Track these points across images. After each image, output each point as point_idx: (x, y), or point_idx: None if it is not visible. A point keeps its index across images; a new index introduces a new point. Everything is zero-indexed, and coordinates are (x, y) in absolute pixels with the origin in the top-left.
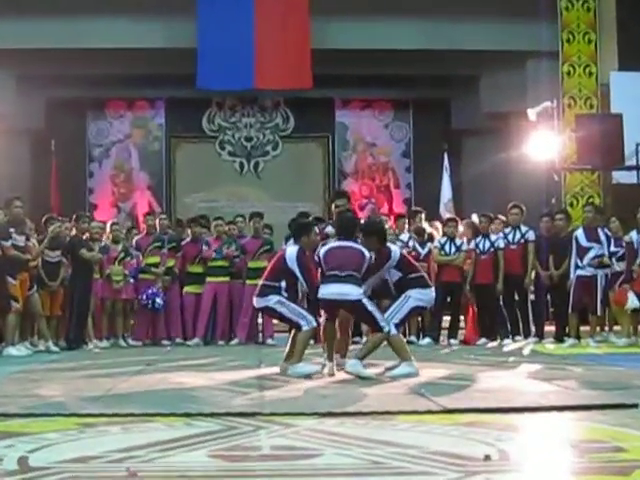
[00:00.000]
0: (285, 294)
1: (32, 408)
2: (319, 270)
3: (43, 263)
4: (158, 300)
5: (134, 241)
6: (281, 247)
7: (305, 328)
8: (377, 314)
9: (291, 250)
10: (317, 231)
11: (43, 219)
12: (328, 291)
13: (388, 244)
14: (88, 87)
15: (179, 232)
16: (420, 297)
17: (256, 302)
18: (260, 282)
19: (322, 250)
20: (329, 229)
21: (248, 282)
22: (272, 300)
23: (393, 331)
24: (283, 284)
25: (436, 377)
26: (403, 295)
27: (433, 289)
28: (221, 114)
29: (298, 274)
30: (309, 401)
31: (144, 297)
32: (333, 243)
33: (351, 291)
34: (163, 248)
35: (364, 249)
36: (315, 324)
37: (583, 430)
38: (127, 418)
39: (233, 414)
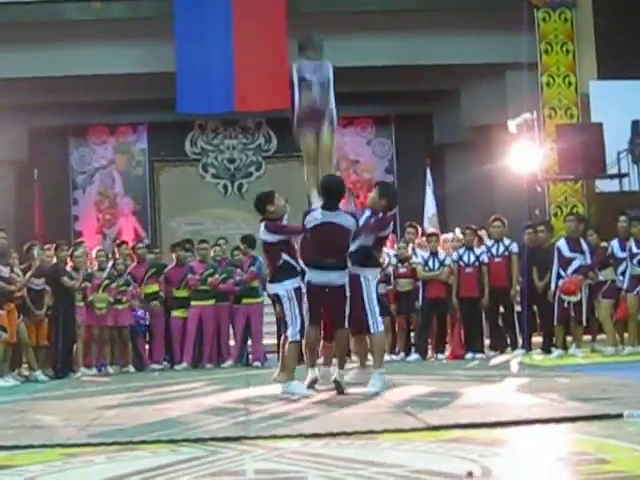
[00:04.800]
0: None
1: (17, 440)
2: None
3: (28, 291)
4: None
5: (127, 272)
6: None
7: (289, 338)
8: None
9: (261, 229)
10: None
11: (25, 247)
12: (315, 277)
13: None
14: (70, 114)
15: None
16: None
17: (269, 288)
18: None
19: (307, 223)
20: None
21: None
22: (284, 287)
23: (381, 328)
24: (286, 257)
25: (422, 393)
26: (364, 280)
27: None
28: (203, 137)
29: (280, 237)
30: (294, 423)
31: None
32: (318, 216)
33: (338, 278)
34: (160, 275)
35: (350, 221)
36: (299, 338)
37: (567, 442)
38: (112, 447)
39: (218, 439)
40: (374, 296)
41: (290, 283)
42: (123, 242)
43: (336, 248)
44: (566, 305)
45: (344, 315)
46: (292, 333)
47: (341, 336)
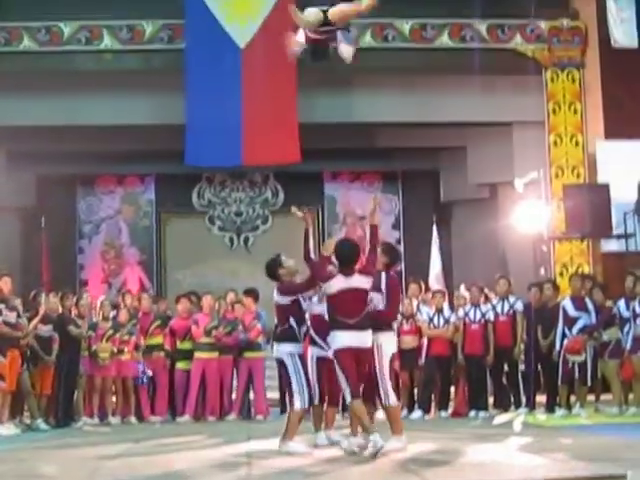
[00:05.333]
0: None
1: None
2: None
3: (36, 338)
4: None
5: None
6: None
7: (297, 406)
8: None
9: (274, 294)
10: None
11: (32, 294)
12: (341, 341)
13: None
14: (78, 163)
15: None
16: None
17: (275, 350)
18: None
19: (329, 289)
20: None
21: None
22: (285, 352)
23: (392, 400)
24: (293, 322)
25: (426, 451)
26: (376, 348)
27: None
28: (211, 189)
29: (292, 298)
30: (297, 478)
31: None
32: (338, 282)
33: (367, 338)
34: (165, 327)
35: (367, 283)
36: (308, 404)
37: None
38: None
39: None
40: (385, 364)
41: (293, 347)
42: (128, 292)
43: (357, 309)
44: (570, 365)
45: (360, 384)
46: (300, 404)
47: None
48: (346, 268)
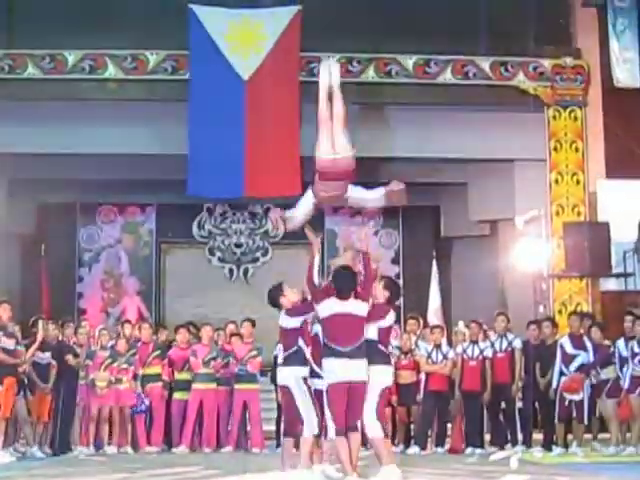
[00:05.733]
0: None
1: None
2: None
3: (34, 365)
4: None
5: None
6: None
7: (306, 434)
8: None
9: (281, 318)
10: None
11: (31, 321)
12: (333, 371)
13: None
14: (79, 192)
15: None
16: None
17: (280, 377)
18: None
19: (322, 312)
20: None
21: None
22: (291, 376)
23: (377, 432)
24: (301, 344)
25: None
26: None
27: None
28: (211, 220)
29: (301, 318)
30: None
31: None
32: (333, 305)
33: (361, 370)
34: (164, 357)
35: (363, 310)
36: (317, 431)
37: None
38: None
39: None
40: (375, 397)
41: (300, 371)
42: (127, 321)
43: (352, 336)
44: (567, 403)
45: (360, 416)
46: (310, 429)
47: (355, 440)
48: (342, 295)
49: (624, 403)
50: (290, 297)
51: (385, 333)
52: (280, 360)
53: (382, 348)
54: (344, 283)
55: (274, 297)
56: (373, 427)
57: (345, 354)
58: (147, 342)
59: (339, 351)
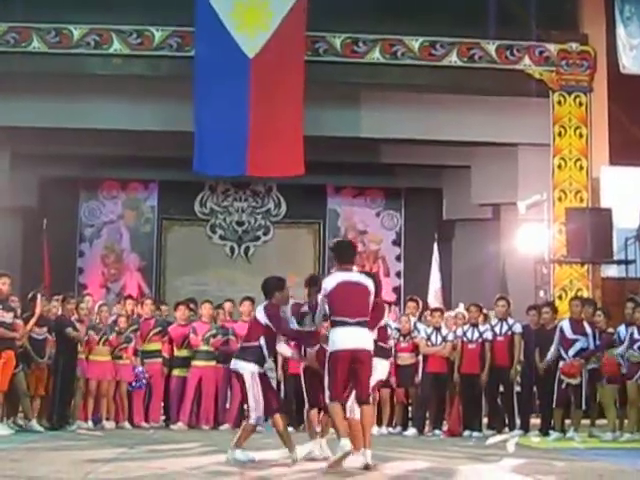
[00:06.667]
0: (265, 365)
1: None
2: (325, 308)
3: (30, 340)
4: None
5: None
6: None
7: (251, 422)
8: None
9: (259, 307)
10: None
11: (29, 296)
12: (340, 340)
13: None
14: (82, 167)
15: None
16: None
17: (232, 363)
18: (240, 344)
19: (328, 284)
20: (305, 309)
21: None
22: (247, 370)
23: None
24: (262, 342)
25: (418, 469)
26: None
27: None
28: (213, 198)
29: (269, 324)
30: None
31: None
32: (337, 275)
33: (366, 339)
34: (165, 334)
35: (369, 282)
36: (258, 423)
37: None
38: None
39: None
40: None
41: (255, 368)
42: (129, 297)
43: (358, 306)
44: (564, 386)
45: (369, 387)
46: (255, 419)
47: (367, 414)
48: (344, 264)
49: None
50: (284, 298)
51: (383, 331)
52: (240, 350)
53: (382, 344)
54: (344, 252)
55: (271, 287)
56: (354, 411)
57: (351, 324)
58: (149, 318)
59: (345, 322)
